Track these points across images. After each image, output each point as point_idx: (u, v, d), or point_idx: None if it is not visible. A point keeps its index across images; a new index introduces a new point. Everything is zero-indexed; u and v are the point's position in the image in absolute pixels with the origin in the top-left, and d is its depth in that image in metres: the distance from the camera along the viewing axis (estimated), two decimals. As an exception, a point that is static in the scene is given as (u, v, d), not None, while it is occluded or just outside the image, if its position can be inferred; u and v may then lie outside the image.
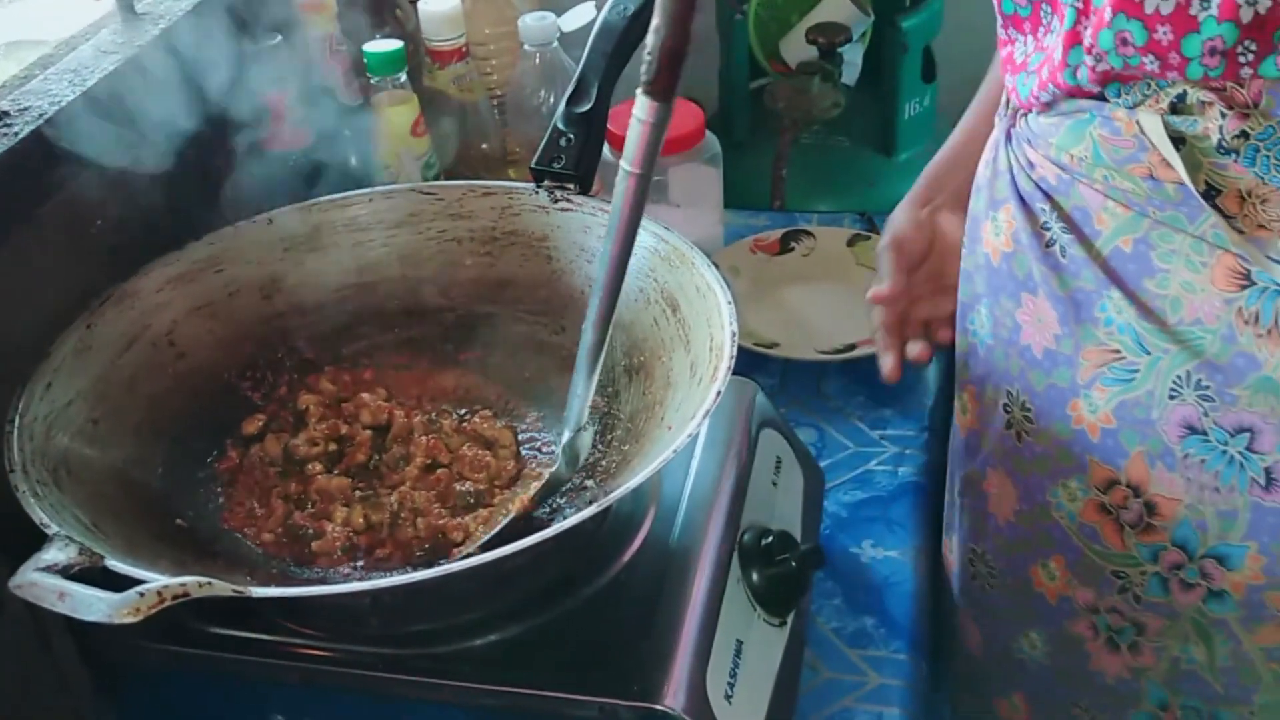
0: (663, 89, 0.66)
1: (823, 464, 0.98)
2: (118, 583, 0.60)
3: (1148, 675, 0.93)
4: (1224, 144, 0.73)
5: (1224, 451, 0.81)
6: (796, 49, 1.54)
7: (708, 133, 1.21)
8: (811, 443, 1.08)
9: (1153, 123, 0.75)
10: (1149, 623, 0.90)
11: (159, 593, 0.58)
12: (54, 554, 0.62)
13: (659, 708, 0.66)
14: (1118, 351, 0.83)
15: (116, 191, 0.86)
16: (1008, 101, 0.89)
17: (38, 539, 0.64)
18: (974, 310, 0.96)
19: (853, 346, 1.16)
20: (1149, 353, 0.82)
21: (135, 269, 0.85)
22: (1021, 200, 0.87)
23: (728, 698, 0.71)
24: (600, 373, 0.75)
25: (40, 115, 0.83)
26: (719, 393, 0.70)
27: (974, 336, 0.96)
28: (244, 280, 0.90)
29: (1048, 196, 0.85)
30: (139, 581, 0.59)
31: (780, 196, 1.50)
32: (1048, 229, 0.85)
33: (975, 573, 1.00)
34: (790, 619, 0.81)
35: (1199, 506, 0.84)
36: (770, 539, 0.80)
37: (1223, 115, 0.73)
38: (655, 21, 0.64)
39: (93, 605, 0.58)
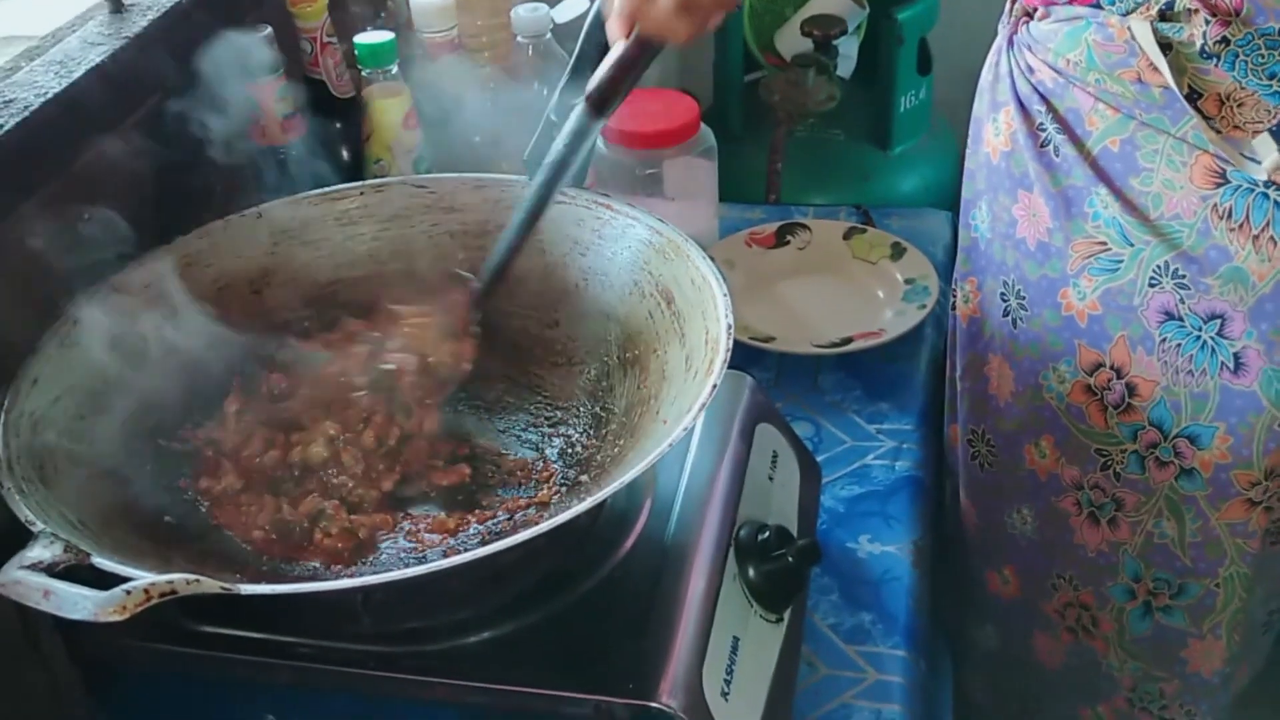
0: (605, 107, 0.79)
1: (819, 459, 0.98)
2: (105, 580, 0.59)
3: (1124, 549, 1.00)
4: (1206, 49, 0.80)
5: (1197, 337, 0.89)
6: (791, 41, 1.53)
7: (702, 125, 1.20)
8: (808, 437, 1.07)
9: (1142, 29, 0.82)
10: (1127, 498, 0.97)
11: (145, 590, 0.57)
12: (39, 551, 0.61)
13: (655, 705, 0.66)
14: (1104, 244, 0.90)
15: (104, 186, 0.85)
16: (1012, 7, 0.95)
17: (23, 536, 0.63)
18: (975, 206, 1.03)
19: (849, 340, 1.16)
20: (1132, 244, 0.89)
21: (123, 264, 0.84)
22: (1020, 103, 0.94)
23: (724, 695, 0.70)
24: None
25: (26, 108, 0.81)
26: (714, 386, 0.69)
27: (975, 231, 1.04)
28: (233, 275, 0.89)
29: (1044, 99, 0.91)
30: (126, 579, 0.58)
31: (775, 190, 1.49)
32: (1043, 130, 0.92)
33: (975, 452, 1.08)
34: (787, 615, 0.80)
35: (1174, 388, 0.91)
36: (767, 534, 0.79)
37: (1206, 22, 0.79)
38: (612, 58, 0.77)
39: (78, 603, 0.57)
